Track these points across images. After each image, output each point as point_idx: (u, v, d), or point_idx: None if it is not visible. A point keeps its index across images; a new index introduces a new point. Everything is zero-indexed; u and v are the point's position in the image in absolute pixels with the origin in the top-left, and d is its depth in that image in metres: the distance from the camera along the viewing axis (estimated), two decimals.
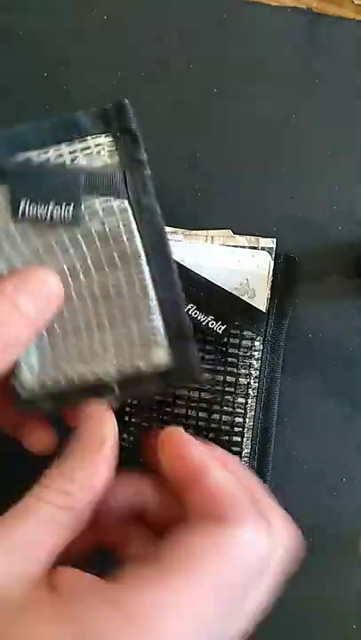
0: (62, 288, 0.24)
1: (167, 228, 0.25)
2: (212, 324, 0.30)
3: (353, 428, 0.32)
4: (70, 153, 0.24)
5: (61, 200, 0.24)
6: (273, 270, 0.31)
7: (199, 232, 0.32)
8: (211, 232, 0.32)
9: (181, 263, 0.31)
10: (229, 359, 0.31)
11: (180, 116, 0.34)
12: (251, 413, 0.31)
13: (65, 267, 0.24)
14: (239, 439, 0.30)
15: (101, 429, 0.23)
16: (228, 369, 0.31)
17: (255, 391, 0.31)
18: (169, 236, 0.25)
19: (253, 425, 0.31)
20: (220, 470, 0.22)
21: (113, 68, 0.34)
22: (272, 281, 0.31)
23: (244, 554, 0.20)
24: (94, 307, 0.25)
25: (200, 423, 0.30)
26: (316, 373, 0.32)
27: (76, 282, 0.25)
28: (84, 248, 0.24)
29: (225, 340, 0.30)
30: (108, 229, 0.24)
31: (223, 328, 0.30)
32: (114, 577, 0.20)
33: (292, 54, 0.34)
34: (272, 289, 0.31)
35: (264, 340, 0.31)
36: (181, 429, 0.24)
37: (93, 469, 0.22)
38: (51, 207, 0.24)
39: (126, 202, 0.24)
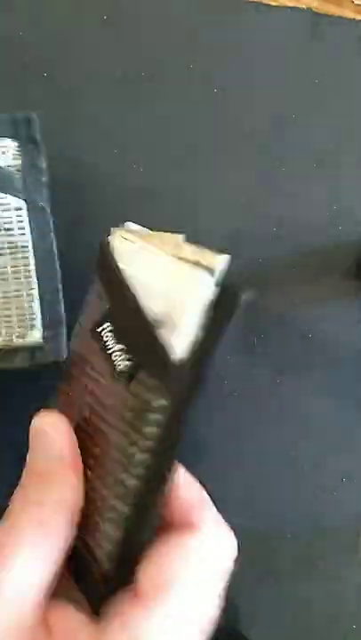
0: None
1: (132, 227, 0.25)
2: (116, 356, 0.22)
3: (353, 428, 0.32)
4: None
5: None
6: (216, 301, 0.22)
7: (165, 236, 0.24)
8: (165, 235, 0.24)
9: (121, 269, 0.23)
10: (126, 413, 0.22)
11: (180, 115, 0.34)
12: (119, 503, 0.21)
13: None
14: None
15: (58, 445, 0.22)
16: (120, 426, 0.22)
17: (139, 469, 0.21)
18: (125, 238, 0.24)
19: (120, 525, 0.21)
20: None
21: (113, 68, 0.34)
22: (208, 317, 0.21)
23: (217, 557, 0.21)
24: None
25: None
26: (317, 373, 0.32)
27: None
28: None
29: (122, 382, 0.22)
30: (1, 222, 0.28)
31: (126, 365, 0.22)
32: (104, 612, 0.19)
33: (292, 54, 0.34)
34: (203, 328, 0.21)
35: (172, 398, 0.21)
36: None
37: (63, 487, 0.21)
38: None
39: (22, 201, 0.28)
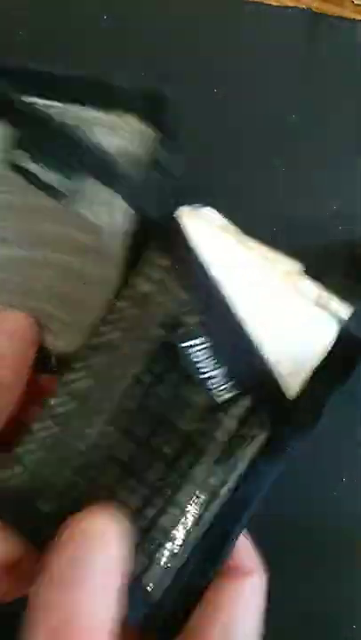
0: None
1: (212, 218, 0.22)
2: (213, 385, 0.20)
3: (353, 428, 0.32)
4: (103, 126, 0.22)
5: (65, 172, 0.20)
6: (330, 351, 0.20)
7: (260, 246, 0.22)
8: (274, 255, 0.22)
9: (220, 287, 0.20)
10: (210, 446, 0.20)
11: (180, 115, 0.33)
12: (196, 532, 0.20)
13: (36, 233, 0.22)
14: (165, 557, 0.19)
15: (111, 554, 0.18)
16: (200, 458, 0.20)
17: (219, 506, 0.20)
18: (213, 233, 0.20)
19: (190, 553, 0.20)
20: None
21: (113, 69, 0.34)
22: (322, 365, 0.20)
23: (263, 596, 0.21)
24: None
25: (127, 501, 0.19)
26: None
27: (39, 250, 0.22)
28: (63, 226, 0.22)
29: (218, 415, 0.20)
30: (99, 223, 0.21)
31: (225, 397, 0.20)
32: None
33: (293, 54, 0.34)
34: (315, 376, 0.20)
35: (268, 442, 0.20)
36: None
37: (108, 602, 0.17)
38: (51, 175, 0.20)
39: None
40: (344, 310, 0.21)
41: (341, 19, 0.34)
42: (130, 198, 0.21)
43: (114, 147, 0.21)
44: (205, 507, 0.20)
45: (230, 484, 0.20)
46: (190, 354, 0.19)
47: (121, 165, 0.21)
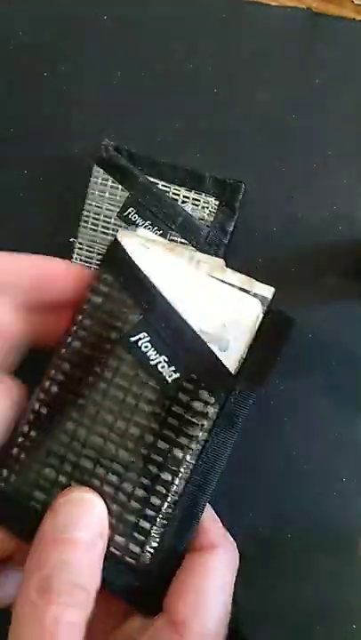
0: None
1: (146, 235, 0.26)
2: (163, 368, 0.24)
3: (353, 428, 0.32)
4: (184, 196, 0.31)
5: (156, 224, 0.31)
6: (259, 326, 0.24)
7: (185, 250, 0.26)
8: (199, 255, 0.26)
9: (157, 287, 0.24)
10: (170, 420, 0.23)
11: (180, 115, 0.34)
12: (173, 498, 0.23)
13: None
14: (148, 526, 0.23)
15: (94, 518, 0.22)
16: (164, 432, 0.23)
17: (188, 471, 0.23)
18: (147, 246, 0.25)
19: (171, 514, 0.23)
20: None
21: (113, 68, 0.34)
22: (254, 339, 0.24)
23: (231, 569, 0.24)
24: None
25: (105, 488, 0.23)
26: (317, 373, 0.32)
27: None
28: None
29: (172, 393, 0.23)
30: None
31: (175, 377, 0.23)
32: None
33: (293, 54, 0.34)
34: (251, 349, 0.24)
35: (221, 410, 0.24)
36: None
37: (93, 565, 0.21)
38: (147, 224, 0.31)
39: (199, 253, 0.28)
40: (267, 290, 0.25)
41: (341, 19, 0.34)
42: None
43: (197, 216, 0.31)
44: (172, 478, 0.23)
45: (191, 455, 0.23)
46: (139, 346, 0.24)
47: (199, 225, 0.31)
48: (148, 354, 0.23)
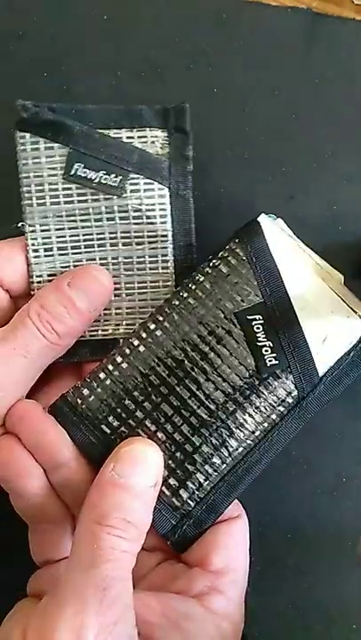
0: (112, 282, 0.28)
1: (283, 228, 0.28)
2: (266, 352, 0.26)
3: (353, 428, 0.32)
4: (128, 138, 0.28)
5: (111, 170, 0.27)
6: (353, 346, 0.27)
7: (312, 254, 0.28)
8: (322, 263, 0.28)
9: (283, 280, 0.27)
10: (253, 397, 0.26)
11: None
12: (232, 462, 0.27)
13: (95, 234, 0.28)
14: (202, 479, 0.26)
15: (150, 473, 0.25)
16: (245, 405, 0.26)
17: (252, 444, 0.27)
18: (282, 238, 0.27)
19: (225, 477, 0.27)
20: None
21: (113, 68, 0.34)
22: (346, 353, 0.27)
23: (246, 536, 0.28)
24: (116, 276, 0.28)
25: (176, 435, 0.26)
26: None
27: (103, 250, 0.28)
28: (118, 220, 0.28)
29: (265, 376, 0.26)
30: (144, 208, 0.28)
31: (274, 364, 0.26)
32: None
33: (292, 54, 0.34)
34: (339, 360, 0.26)
35: (298, 403, 0.26)
36: None
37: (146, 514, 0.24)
38: (101, 174, 0.27)
39: (167, 189, 0.28)
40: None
41: (341, 19, 0.34)
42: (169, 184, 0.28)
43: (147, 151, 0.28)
44: (237, 446, 0.26)
45: (260, 432, 0.26)
46: (252, 325, 0.26)
47: (158, 160, 0.28)
48: (258, 335, 0.26)
